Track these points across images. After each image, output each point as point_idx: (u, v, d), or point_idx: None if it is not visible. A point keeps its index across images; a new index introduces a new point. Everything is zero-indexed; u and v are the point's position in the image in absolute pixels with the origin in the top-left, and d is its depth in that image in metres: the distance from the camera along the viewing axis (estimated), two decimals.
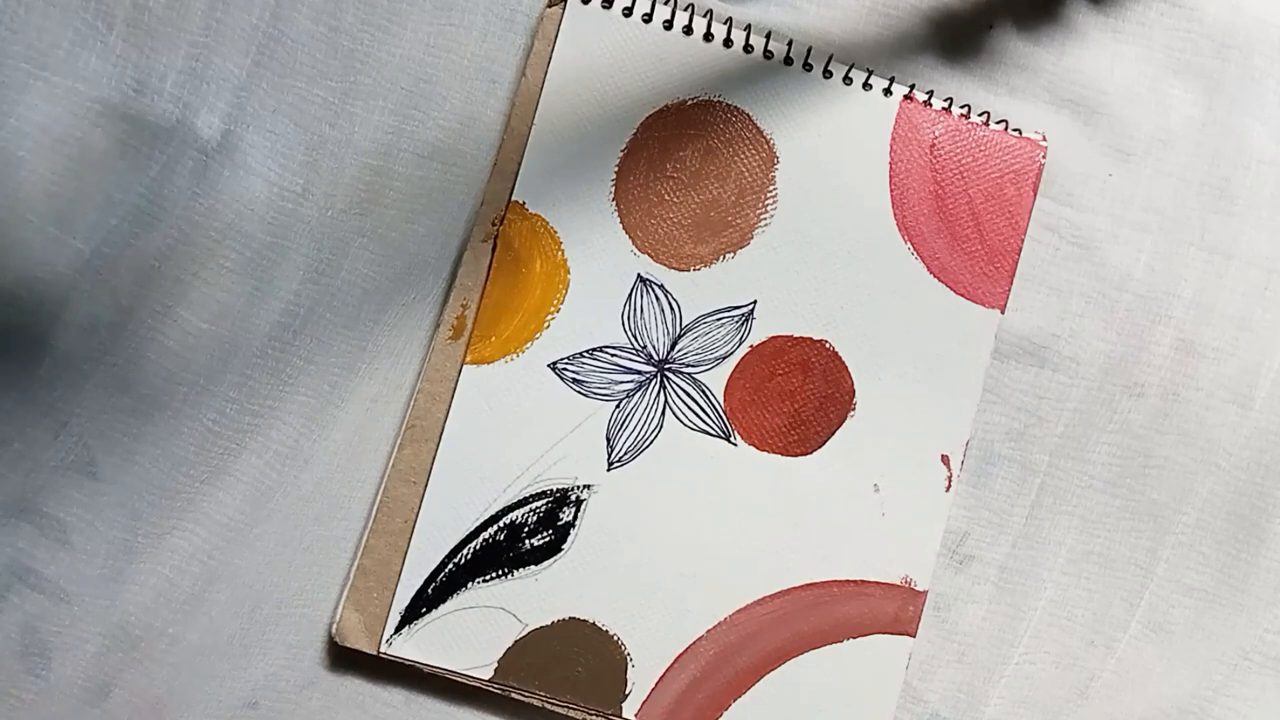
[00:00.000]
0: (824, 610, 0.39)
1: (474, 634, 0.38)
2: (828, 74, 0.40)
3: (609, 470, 0.38)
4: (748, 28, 0.40)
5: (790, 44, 0.40)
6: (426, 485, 0.38)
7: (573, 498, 0.38)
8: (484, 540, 0.38)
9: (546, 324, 0.39)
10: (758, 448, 0.39)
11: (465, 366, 0.38)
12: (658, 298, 0.39)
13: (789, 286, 0.39)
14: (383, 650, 0.37)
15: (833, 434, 0.39)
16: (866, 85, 0.40)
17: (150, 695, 0.38)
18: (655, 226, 0.39)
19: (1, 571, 0.37)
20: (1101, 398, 0.41)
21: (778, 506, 0.39)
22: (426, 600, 0.38)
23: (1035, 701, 0.40)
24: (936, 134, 0.40)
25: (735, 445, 0.39)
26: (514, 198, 0.39)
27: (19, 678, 0.37)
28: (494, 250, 0.39)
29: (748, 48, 0.40)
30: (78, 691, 0.37)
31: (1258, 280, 0.42)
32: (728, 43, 0.40)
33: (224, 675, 0.38)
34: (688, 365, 0.39)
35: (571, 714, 0.38)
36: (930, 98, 0.40)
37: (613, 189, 0.39)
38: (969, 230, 0.40)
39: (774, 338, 0.39)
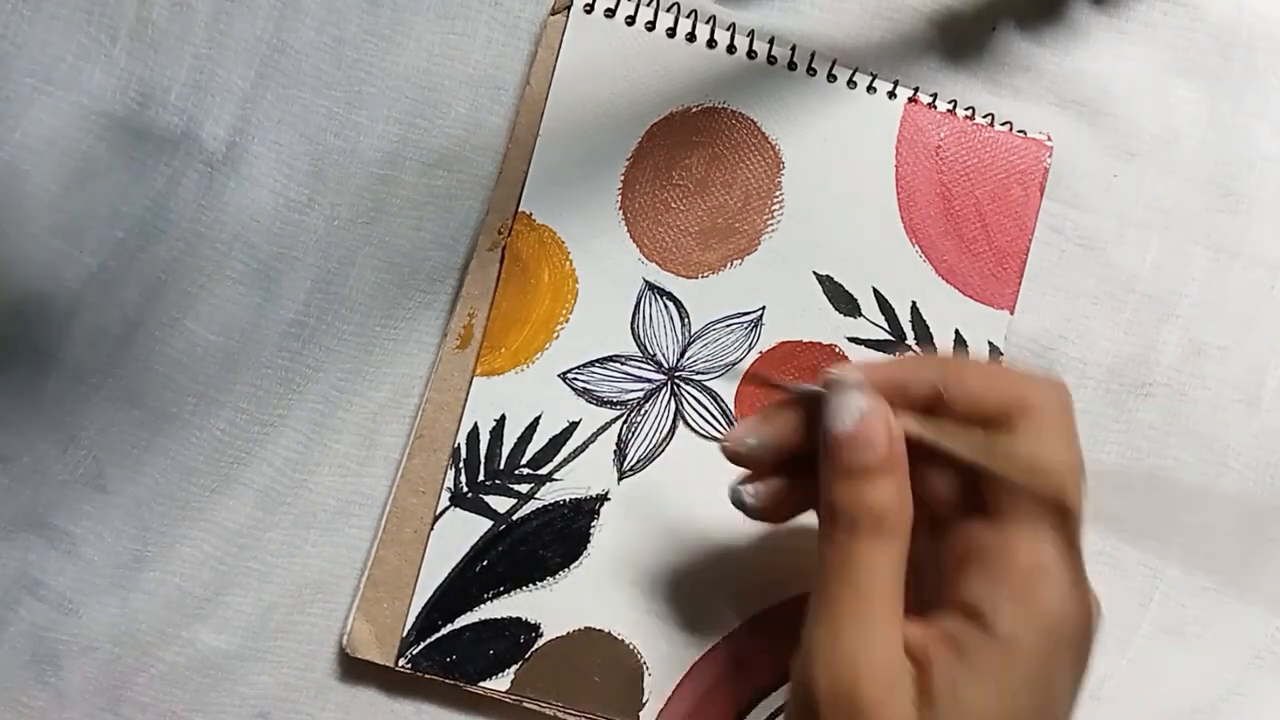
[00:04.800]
0: None
1: (490, 646, 0.38)
2: (832, 78, 0.40)
3: (621, 479, 0.38)
4: (751, 33, 0.40)
5: (794, 49, 0.40)
6: (438, 496, 0.38)
7: (586, 508, 0.38)
8: (497, 552, 0.38)
9: (556, 334, 0.39)
10: None
11: (476, 378, 0.38)
12: (666, 306, 0.39)
13: (797, 292, 0.39)
14: (400, 665, 0.37)
15: None
16: (871, 89, 0.40)
17: (160, 705, 0.38)
18: (662, 234, 0.39)
19: (11, 584, 0.37)
20: (1109, 398, 0.41)
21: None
22: (441, 612, 0.37)
23: None
24: (942, 136, 0.40)
25: None
26: (521, 208, 0.39)
27: (29, 687, 0.37)
28: (502, 261, 0.39)
29: (751, 53, 0.40)
30: (88, 701, 0.37)
31: (1264, 278, 0.42)
32: (731, 49, 0.40)
33: (234, 684, 0.38)
34: (698, 373, 0.39)
35: None
36: (934, 100, 0.40)
37: (619, 197, 0.39)
38: (976, 231, 0.40)
39: (783, 343, 0.39)
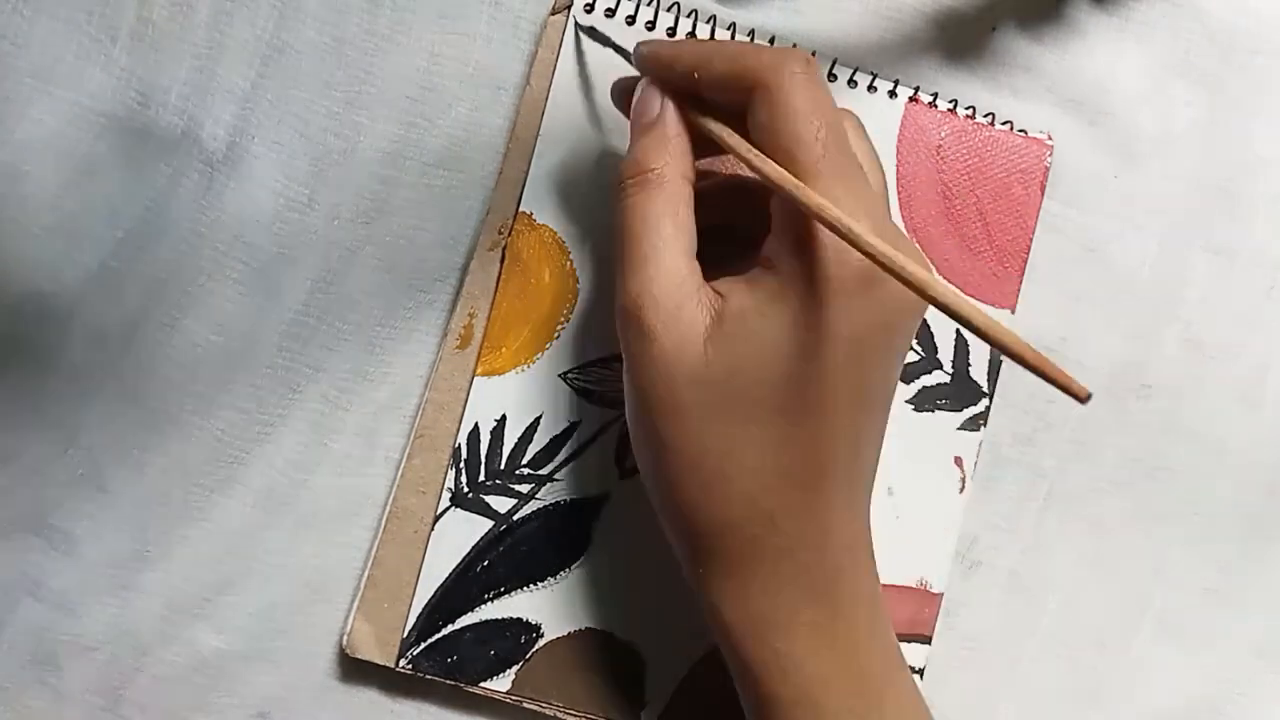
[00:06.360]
0: None
1: (490, 646, 0.38)
2: (832, 78, 0.40)
3: (622, 479, 0.38)
4: (751, 33, 0.40)
5: (794, 49, 0.40)
6: (439, 496, 0.38)
7: (586, 508, 0.38)
8: (498, 552, 0.38)
9: (556, 334, 0.39)
10: None
11: (476, 378, 0.38)
12: None
13: None
14: (400, 666, 0.37)
15: None
16: (871, 88, 0.40)
17: (160, 705, 0.38)
18: None
19: (11, 585, 0.37)
20: (1109, 400, 0.41)
21: None
22: (441, 613, 0.37)
23: (1047, 704, 0.40)
24: (942, 135, 0.40)
25: None
26: (521, 208, 0.39)
27: (29, 687, 0.37)
28: (502, 260, 0.39)
29: None
30: (88, 701, 0.38)
31: (1264, 279, 0.42)
32: None
33: (234, 685, 0.38)
34: None
35: None
36: (935, 100, 0.40)
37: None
38: (977, 231, 0.40)
39: None
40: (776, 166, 0.30)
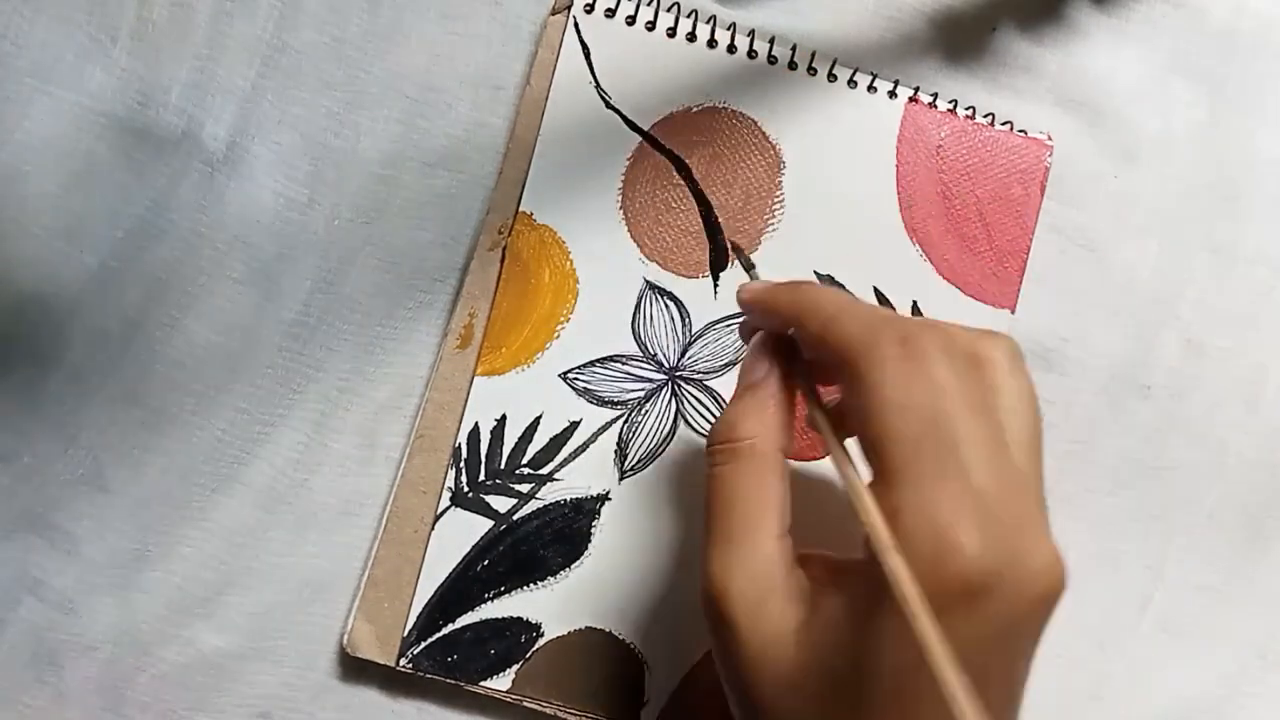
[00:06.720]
0: None
1: (490, 646, 0.38)
2: (832, 78, 0.40)
3: (622, 479, 0.38)
4: (751, 33, 0.40)
5: (794, 49, 0.40)
6: (439, 495, 0.38)
7: (586, 507, 0.38)
8: (498, 552, 0.38)
9: (557, 334, 0.39)
10: None
11: (477, 378, 0.38)
12: (667, 305, 0.39)
13: None
14: (401, 665, 0.37)
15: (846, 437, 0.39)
16: (871, 88, 0.40)
17: (161, 704, 0.38)
18: (663, 234, 0.39)
19: (12, 584, 0.38)
20: (1109, 400, 0.41)
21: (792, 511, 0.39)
22: (441, 612, 0.37)
23: (1047, 704, 0.40)
24: (942, 136, 0.40)
25: None
26: (522, 208, 0.39)
27: (30, 686, 0.37)
28: (502, 261, 0.39)
29: (751, 53, 0.40)
30: (89, 700, 0.38)
31: (1264, 279, 0.42)
32: (731, 49, 0.40)
33: (235, 684, 0.38)
34: (699, 372, 0.39)
35: None
36: (935, 100, 0.40)
37: (620, 197, 0.39)
38: (977, 231, 0.40)
39: None
40: (854, 474, 0.27)
